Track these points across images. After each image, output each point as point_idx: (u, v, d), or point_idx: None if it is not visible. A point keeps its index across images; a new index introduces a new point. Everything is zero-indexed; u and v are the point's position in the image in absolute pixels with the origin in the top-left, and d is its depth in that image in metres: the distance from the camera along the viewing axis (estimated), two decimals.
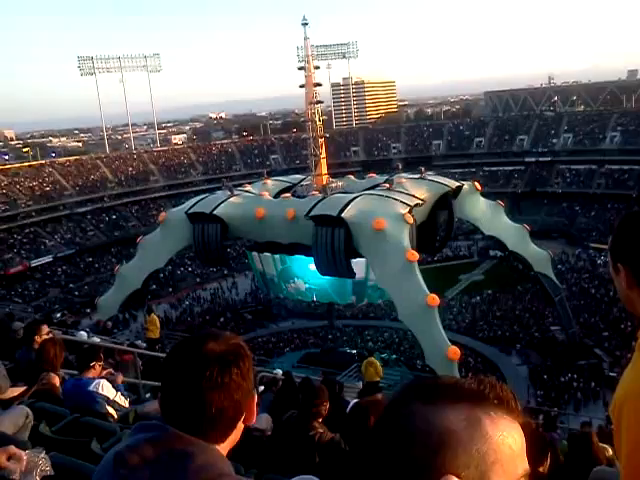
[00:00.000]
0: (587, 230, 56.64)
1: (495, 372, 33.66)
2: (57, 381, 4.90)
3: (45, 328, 6.37)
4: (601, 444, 5.76)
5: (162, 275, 46.49)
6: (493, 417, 0.92)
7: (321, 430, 4.37)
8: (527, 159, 67.23)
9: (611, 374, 31.90)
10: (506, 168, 67.86)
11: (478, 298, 45.61)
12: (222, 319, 45.07)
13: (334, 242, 27.22)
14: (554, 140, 67.85)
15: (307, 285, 32.26)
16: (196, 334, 1.44)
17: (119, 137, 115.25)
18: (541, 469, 4.08)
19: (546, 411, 16.11)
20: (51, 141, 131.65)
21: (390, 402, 0.96)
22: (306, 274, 31.35)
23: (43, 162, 66.71)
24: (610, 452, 5.33)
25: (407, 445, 0.89)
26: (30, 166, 63.67)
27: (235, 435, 1.41)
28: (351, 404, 6.28)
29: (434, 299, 23.75)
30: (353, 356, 32.34)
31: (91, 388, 4.64)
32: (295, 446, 4.27)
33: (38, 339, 6.05)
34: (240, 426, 1.41)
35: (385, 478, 0.90)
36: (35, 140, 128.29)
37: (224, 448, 1.37)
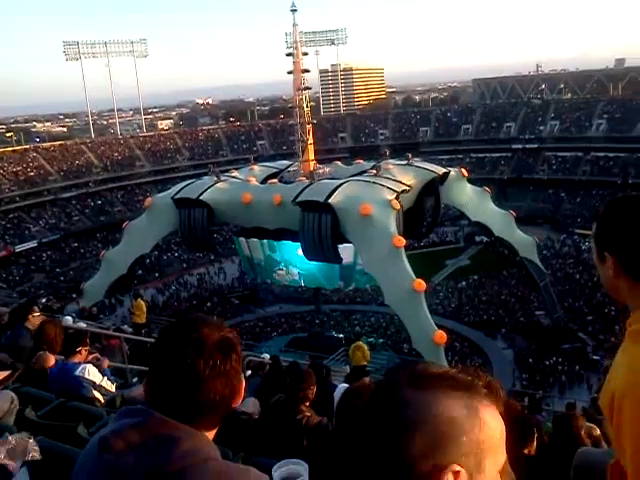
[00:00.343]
0: (572, 216, 57.05)
1: (481, 356, 34.03)
2: (51, 362, 4.87)
3: (36, 309, 6.38)
4: (588, 423, 5.84)
5: (148, 260, 46.27)
6: (485, 406, 0.94)
7: (308, 414, 4.39)
8: (514, 146, 67.48)
9: (594, 357, 32.44)
10: (493, 155, 68.10)
11: (464, 283, 45.93)
12: (209, 304, 45.06)
13: (321, 228, 27.22)
14: (541, 127, 68.10)
15: (295, 270, 32.29)
16: (184, 319, 1.42)
17: (104, 122, 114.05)
18: (526, 451, 4.13)
19: (531, 394, 16.28)
20: (35, 126, 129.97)
21: (380, 387, 0.95)
22: (294, 259, 31.35)
23: (27, 147, 65.94)
24: (597, 432, 5.40)
25: (405, 433, 0.88)
26: (14, 151, 62.97)
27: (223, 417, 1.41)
28: (339, 388, 6.30)
29: (420, 284, 23.86)
30: (340, 340, 32.48)
31: (77, 373, 4.62)
32: (282, 430, 4.28)
33: (31, 319, 6.08)
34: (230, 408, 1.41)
35: (378, 467, 0.89)
36: (19, 125, 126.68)
37: (213, 433, 1.37)
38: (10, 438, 2.63)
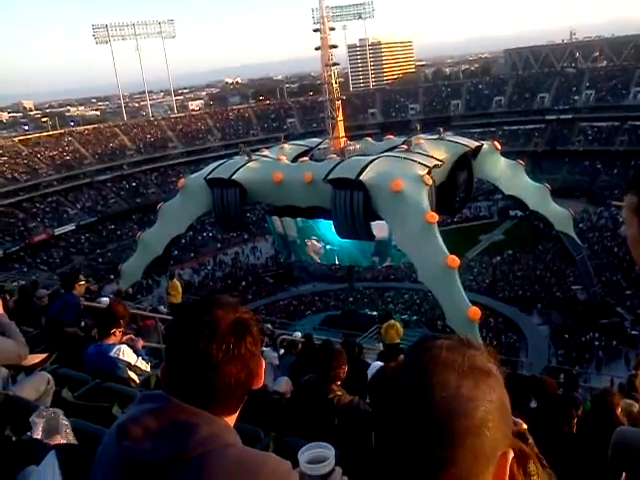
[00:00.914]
0: (609, 188, 55.62)
1: (516, 332, 33.72)
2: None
3: (81, 278, 6.63)
4: (627, 400, 5.73)
5: (183, 241, 46.77)
6: (502, 379, 0.95)
7: (339, 393, 4.41)
8: (548, 117, 65.97)
9: (633, 332, 31.85)
10: (526, 127, 66.72)
11: (498, 258, 45.40)
12: (244, 283, 45.48)
13: (353, 205, 27.10)
14: (575, 97, 66.38)
15: (329, 247, 32.24)
16: (198, 301, 1.41)
17: (136, 105, 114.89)
18: (566, 429, 4.07)
19: (567, 370, 16.11)
20: (69, 110, 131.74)
21: (457, 390, 0.89)
22: (329, 235, 31.26)
23: (62, 131, 67.04)
24: (636, 408, 5.31)
25: (493, 420, 0.88)
26: (50, 136, 64.04)
27: (244, 400, 1.39)
28: (372, 366, 6.31)
29: (454, 260, 23.64)
30: (374, 318, 32.50)
31: (112, 354, 4.71)
32: (314, 409, 4.31)
33: (78, 287, 6.31)
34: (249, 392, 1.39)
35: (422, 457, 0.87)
36: (54, 110, 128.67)
37: (234, 418, 1.36)
38: (44, 413, 2.68)
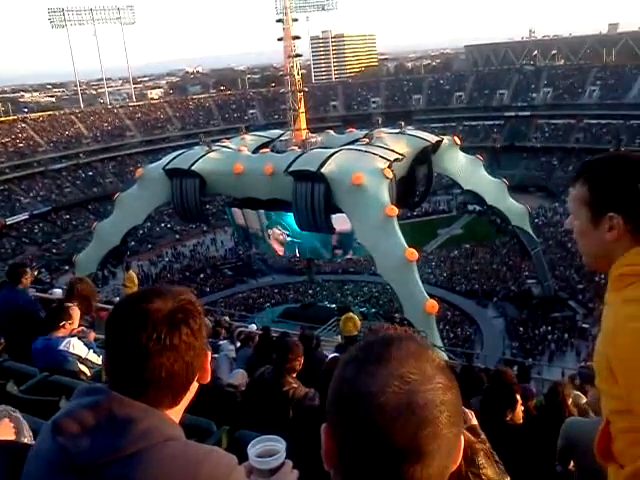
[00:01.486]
0: (564, 184, 56.94)
1: (472, 325, 34.29)
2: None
3: (28, 271, 6.31)
4: (575, 392, 5.88)
5: (141, 232, 46.12)
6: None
7: (295, 385, 4.38)
8: (506, 114, 67.15)
9: (584, 325, 32.77)
10: (486, 123, 67.80)
11: (456, 252, 46.11)
12: (202, 275, 45.11)
13: (314, 198, 27.08)
14: (534, 95, 67.70)
15: (290, 239, 32.15)
16: (141, 290, 1.35)
17: (93, 92, 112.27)
18: (508, 418, 4.14)
19: (520, 362, 16.44)
20: (23, 96, 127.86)
21: (401, 374, 0.86)
22: (294, 226, 31.10)
23: (15, 118, 64.95)
24: (584, 400, 5.45)
25: (459, 420, 0.90)
26: (2, 122, 62.09)
27: (191, 395, 1.34)
28: (330, 358, 6.30)
29: (413, 253, 23.87)
30: (332, 310, 32.61)
31: (61, 347, 4.57)
32: (269, 402, 4.27)
33: (24, 281, 6.03)
34: (194, 387, 1.33)
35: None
36: (6, 95, 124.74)
37: (178, 411, 1.30)
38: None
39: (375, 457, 0.84)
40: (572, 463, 3.33)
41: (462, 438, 0.91)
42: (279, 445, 1.39)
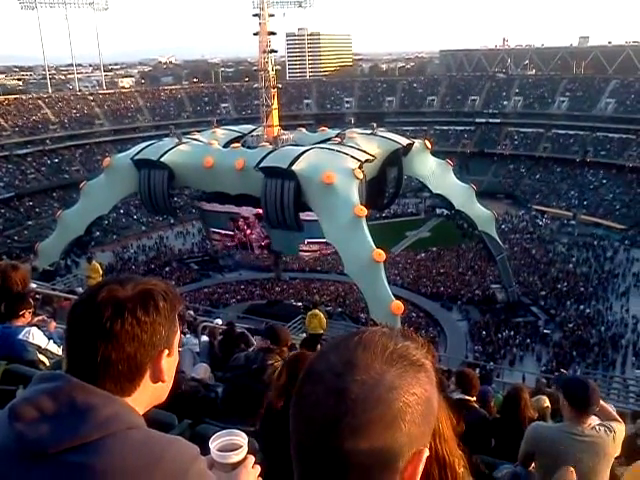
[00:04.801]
0: (531, 192, 58.08)
1: (436, 327, 34.60)
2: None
3: None
4: (539, 395, 5.99)
5: (106, 222, 45.43)
6: (434, 379, 0.90)
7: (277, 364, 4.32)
8: (478, 120, 68.02)
9: (545, 331, 33.43)
10: (457, 128, 68.57)
11: (423, 255, 46.52)
12: (168, 268, 44.62)
13: (283, 195, 27.09)
14: (505, 102, 68.71)
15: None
16: (109, 278, 1.32)
17: (62, 77, 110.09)
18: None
19: (482, 365, 16.65)
20: None
21: (346, 361, 0.85)
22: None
23: None
24: (546, 403, 5.55)
25: (396, 421, 0.82)
26: None
27: (148, 394, 1.29)
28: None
29: (380, 254, 24.03)
30: (298, 308, 32.57)
31: (21, 337, 4.44)
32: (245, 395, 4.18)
33: None
34: (149, 385, 1.28)
35: (328, 458, 0.82)
36: None
37: (133, 403, 1.25)
38: None
39: (302, 433, 0.85)
40: (533, 465, 3.42)
41: (424, 452, 0.85)
42: (241, 439, 1.36)
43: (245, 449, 1.34)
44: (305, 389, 0.86)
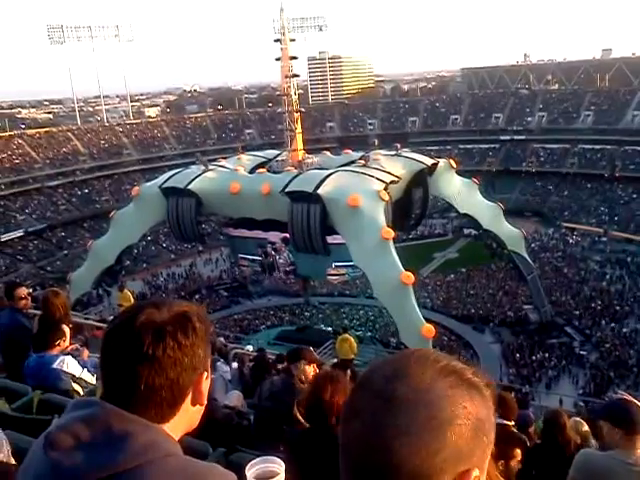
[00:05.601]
0: (560, 209, 57.30)
1: (468, 350, 34.10)
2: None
3: (23, 289, 6.09)
4: (576, 418, 5.83)
5: (136, 251, 46.01)
6: (492, 405, 0.90)
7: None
8: (502, 137, 67.62)
9: (581, 352, 32.59)
10: (481, 146, 68.21)
11: (452, 276, 46.03)
12: (197, 296, 44.88)
13: (310, 219, 27.09)
14: (529, 118, 68.29)
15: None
16: (142, 301, 1.30)
17: (90, 109, 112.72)
18: (513, 463, 4.08)
19: (518, 389, 16.31)
20: (20, 112, 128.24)
21: (397, 369, 0.85)
22: None
23: (12, 133, 64.97)
24: (585, 427, 5.40)
25: (436, 432, 0.81)
26: None
27: (187, 418, 1.27)
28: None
29: (409, 277, 23.80)
30: (328, 333, 32.39)
31: (55, 365, 4.48)
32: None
33: (19, 300, 5.75)
34: (190, 408, 1.26)
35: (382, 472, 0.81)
36: (3, 111, 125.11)
37: (170, 429, 1.23)
38: None
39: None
40: None
41: (472, 471, 0.83)
42: (278, 467, 1.34)
43: (282, 476, 1.32)
44: (354, 396, 0.87)
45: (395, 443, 0.79)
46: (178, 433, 1.26)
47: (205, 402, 1.30)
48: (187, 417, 1.27)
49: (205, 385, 1.28)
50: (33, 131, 67.71)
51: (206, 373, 1.28)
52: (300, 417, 3.17)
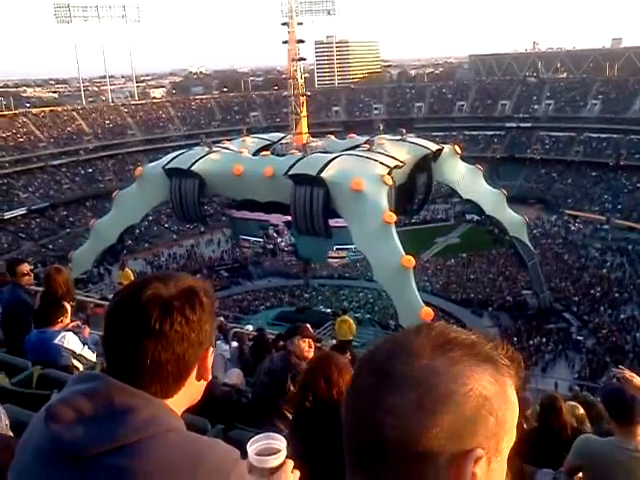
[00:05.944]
0: (563, 197, 57.17)
1: None
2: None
3: (26, 265, 6.11)
4: (571, 402, 5.89)
5: (138, 231, 46.01)
6: (510, 381, 0.85)
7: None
8: (508, 124, 67.27)
9: (578, 337, 32.85)
10: (487, 133, 67.87)
11: (453, 261, 46.09)
12: (198, 276, 44.74)
13: (312, 202, 27.09)
14: (535, 106, 67.87)
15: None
16: (148, 275, 1.31)
17: (96, 89, 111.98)
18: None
19: None
20: (25, 91, 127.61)
21: (397, 347, 0.84)
22: None
23: (17, 112, 64.70)
24: (581, 411, 5.46)
25: (432, 408, 0.78)
26: (3, 116, 61.97)
27: (191, 393, 1.28)
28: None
29: (410, 261, 23.86)
30: (328, 315, 32.49)
31: (56, 341, 4.53)
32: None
33: (21, 276, 5.79)
34: (194, 383, 1.27)
35: (384, 449, 0.80)
36: (8, 90, 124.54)
37: (174, 404, 1.24)
38: None
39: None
40: (580, 475, 3.34)
41: (475, 452, 0.79)
42: (280, 443, 1.34)
43: (284, 453, 1.31)
44: (356, 372, 0.87)
45: (387, 420, 0.78)
46: (181, 408, 1.27)
47: (210, 377, 1.31)
48: (191, 392, 1.28)
49: (210, 360, 1.29)
50: (38, 110, 67.36)
51: (212, 348, 1.29)
52: (294, 391, 3.20)
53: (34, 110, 67.26)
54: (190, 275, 1.37)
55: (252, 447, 1.29)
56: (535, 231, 47.57)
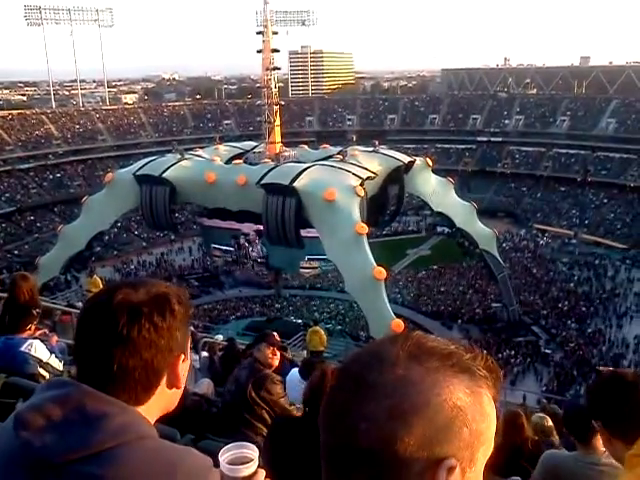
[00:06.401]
0: (532, 211, 58.14)
1: None
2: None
3: None
4: (540, 414, 5.95)
5: (107, 237, 45.44)
6: (487, 392, 0.85)
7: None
8: (479, 138, 68.26)
9: (546, 351, 33.27)
10: (458, 146, 68.77)
11: (424, 273, 46.40)
12: (168, 284, 44.46)
13: (284, 211, 27.08)
14: (506, 121, 69.00)
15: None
16: (119, 281, 1.29)
17: (66, 93, 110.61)
18: None
19: None
20: None
21: (373, 357, 0.84)
22: None
23: None
24: (549, 423, 5.51)
25: (404, 417, 0.78)
26: None
27: (163, 401, 1.25)
28: (292, 373, 6.23)
29: (381, 272, 23.95)
30: (299, 325, 32.45)
31: (23, 349, 4.41)
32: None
33: None
34: (166, 391, 1.24)
35: (358, 458, 0.80)
36: None
37: (146, 411, 1.21)
38: None
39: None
40: None
41: (447, 461, 0.79)
42: (252, 453, 1.32)
43: (256, 462, 1.30)
44: (334, 381, 0.86)
45: (361, 426, 0.78)
46: (154, 416, 1.25)
47: (182, 385, 1.28)
48: (163, 400, 1.26)
49: (182, 367, 1.27)
50: (5, 112, 66.21)
51: (183, 355, 1.27)
52: (257, 399, 3.18)
53: (1, 112, 66.00)
54: (165, 282, 1.35)
55: (224, 456, 1.27)
56: (504, 244, 48.23)
